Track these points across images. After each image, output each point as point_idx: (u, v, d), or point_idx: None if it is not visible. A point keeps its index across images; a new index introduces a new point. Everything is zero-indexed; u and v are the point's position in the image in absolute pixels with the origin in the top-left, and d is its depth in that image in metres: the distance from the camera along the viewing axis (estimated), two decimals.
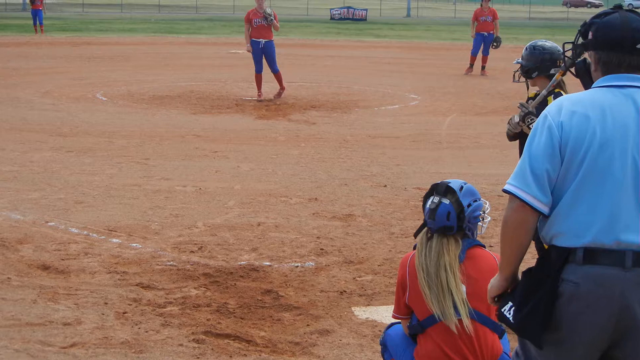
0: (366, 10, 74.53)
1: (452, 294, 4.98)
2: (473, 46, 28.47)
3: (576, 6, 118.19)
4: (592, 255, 3.91)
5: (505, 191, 4.01)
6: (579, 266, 3.91)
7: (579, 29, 4.25)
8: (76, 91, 22.10)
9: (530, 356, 4.14)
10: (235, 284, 7.94)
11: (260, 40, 20.41)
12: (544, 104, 6.98)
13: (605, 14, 4.09)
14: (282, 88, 21.08)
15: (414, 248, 5.24)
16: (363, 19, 71.50)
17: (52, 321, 6.96)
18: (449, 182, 5.15)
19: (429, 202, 5.13)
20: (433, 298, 5.01)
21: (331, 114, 19.05)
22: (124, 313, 7.17)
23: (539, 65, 7.37)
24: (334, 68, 30.05)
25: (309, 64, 31.32)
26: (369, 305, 7.51)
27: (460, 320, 4.98)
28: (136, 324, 6.94)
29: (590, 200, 3.91)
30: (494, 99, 21.36)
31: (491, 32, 28.00)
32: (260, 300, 7.55)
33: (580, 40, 4.24)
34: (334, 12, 73.38)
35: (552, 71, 7.25)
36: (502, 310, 4.13)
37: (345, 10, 74.31)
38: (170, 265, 8.45)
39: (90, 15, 70.95)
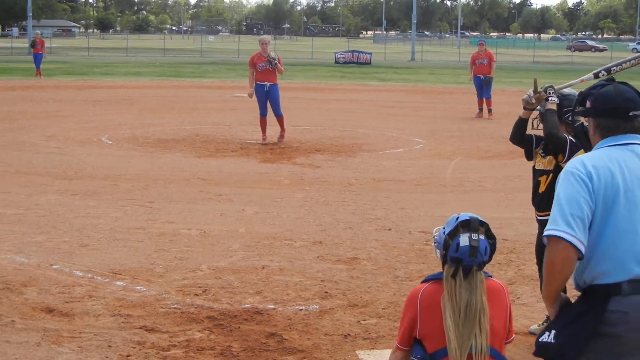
0: (371, 54, 74.89)
1: (480, 333, 4.94)
2: (476, 90, 28.79)
3: (580, 50, 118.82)
4: (636, 286, 4.43)
5: (550, 236, 4.44)
6: (625, 297, 4.41)
7: (577, 97, 5.03)
8: (81, 134, 22.18)
9: None
10: (239, 327, 7.92)
11: (265, 83, 20.48)
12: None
13: (601, 85, 4.80)
14: (282, 130, 21.10)
15: (423, 281, 5.19)
16: (367, 63, 71.81)
17: None
18: (475, 216, 5.08)
19: (467, 240, 4.98)
20: (458, 337, 4.94)
21: (336, 157, 19.08)
22: (127, 356, 7.16)
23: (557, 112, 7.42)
24: (339, 111, 30.15)
25: (314, 107, 31.43)
26: (373, 348, 7.48)
27: (469, 356, 4.94)
28: None
29: (625, 243, 4.45)
30: (498, 143, 21.39)
31: (487, 74, 28.32)
32: (265, 343, 7.53)
33: (578, 108, 4.96)
34: (339, 56, 73.75)
35: (567, 115, 7.30)
36: (541, 339, 4.57)
37: (350, 54, 74.64)
38: (175, 308, 8.44)
39: (96, 59, 71.38)
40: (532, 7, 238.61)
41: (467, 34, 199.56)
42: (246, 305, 8.55)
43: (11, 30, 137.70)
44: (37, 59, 45.14)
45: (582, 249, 4.38)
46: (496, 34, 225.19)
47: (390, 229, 12.10)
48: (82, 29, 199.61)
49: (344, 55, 74.04)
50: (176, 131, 23.18)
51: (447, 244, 5.02)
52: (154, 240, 11.22)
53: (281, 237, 11.53)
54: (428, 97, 38.59)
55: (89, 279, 9.37)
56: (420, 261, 10.35)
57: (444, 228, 5.14)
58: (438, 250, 5.16)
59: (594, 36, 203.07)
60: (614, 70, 7.34)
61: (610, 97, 4.68)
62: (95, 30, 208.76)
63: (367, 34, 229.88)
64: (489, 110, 28.40)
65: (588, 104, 4.79)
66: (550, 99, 7.38)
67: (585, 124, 4.89)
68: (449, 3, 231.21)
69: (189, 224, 12.19)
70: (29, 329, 7.75)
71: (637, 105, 4.68)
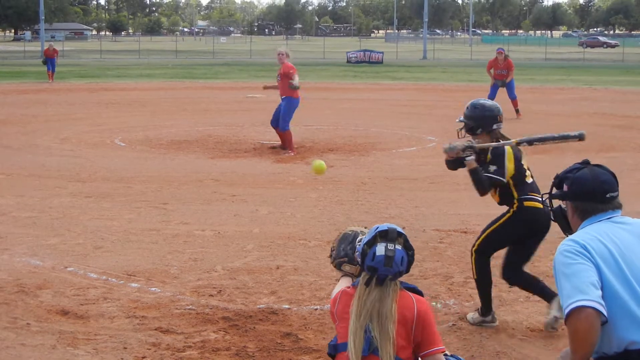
0: (382, 53, 74.87)
1: (389, 341, 5.01)
2: (490, 92, 28.65)
3: (592, 47, 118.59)
4: None
5: (575, 309, 4.36)
6: None
7: (553, 180, 5.06)
8: (94, 137, 22.22)
9: None
10: (254, 327, 7.92)
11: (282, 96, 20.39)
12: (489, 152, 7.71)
13: (576, 169, 4.91)
14: (284, 144, 20.53)
15: (354, 285, 5.30)
16: (379, 62, 71.80)
17: None
18: (393, 227, 5.22)
19: (383, 249, 5.14)
20: (356, 341, 5.03)
21: (349, 156, 19.07)
22: (143, 358, 7.16)
23: (481, 123, 7.84)
24: (351, 111, 30.13)
25: (326, 107, 31.41)
26: None
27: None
28: None
29: None
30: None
31: (505, 80, 28.31)
32: (280, 343, 7.52)
33: (555, 191, 5.03)
34: (351, 55, 73.80)
35: (494, 127, 7.76)
36: None
37: (362, 53, 74.69)
38: (189, 309, 8.44)
39: (108, 61, 71.51)
40: (543, 4, 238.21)
41: (478, 31, 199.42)
42: (261, 306, 8.55)
43: (24, 34, 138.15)
44: (52, 63, 45.17)
45: (604, 311, 4.35)
46: (508, 31, 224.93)
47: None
48: (95, 32, 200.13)
49: (355, 55, 74.08)
50: (189, 132, 23.21)
51: (365, 252, 5.17)
52: (168, 241, 11.23)
53: (295, 236, 11.53)
54: (440, 95, 38.54)
55: (103, 281, 9.38)
56: (434, 259, 10.32)
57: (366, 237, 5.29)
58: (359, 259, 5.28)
59: (606, 32, 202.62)
60: (535, 143, 7.51)
61: (587, 181, 4.80)
62: (107, 32, 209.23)
63: (378, 33, 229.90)
64: (517, 111, 28.20)
65: (565, 188, 4.91)
66: (467, 159, 7.61)
67: (563, 206, 5.09)
68: (460, 1, 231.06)
69: (203, 224, 12.20)
70: (44, 332, 7.76)
71: (613, 187, 4.81)
